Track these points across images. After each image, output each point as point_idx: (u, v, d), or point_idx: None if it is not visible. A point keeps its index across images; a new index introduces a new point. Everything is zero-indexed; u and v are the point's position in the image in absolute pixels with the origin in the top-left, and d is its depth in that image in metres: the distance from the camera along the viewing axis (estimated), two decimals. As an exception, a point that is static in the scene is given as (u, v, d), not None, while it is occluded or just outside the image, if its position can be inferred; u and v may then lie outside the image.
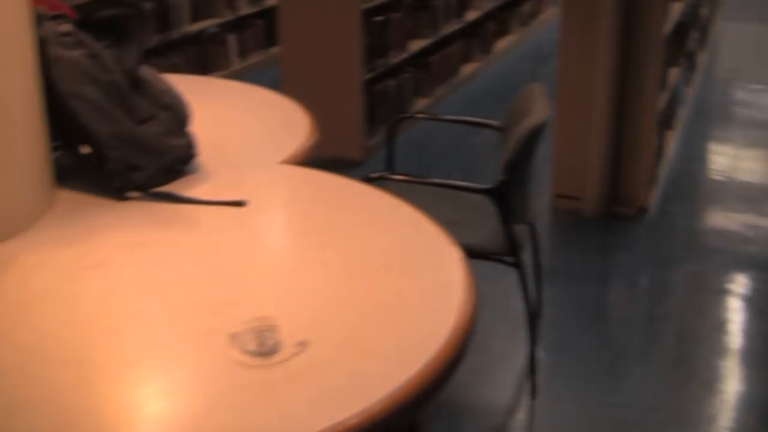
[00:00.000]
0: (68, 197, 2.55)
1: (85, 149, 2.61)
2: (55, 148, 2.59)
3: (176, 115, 2.65)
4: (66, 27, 2.56)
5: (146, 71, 2.65)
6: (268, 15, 8.50)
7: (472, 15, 8.22)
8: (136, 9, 2.62)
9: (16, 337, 1.90)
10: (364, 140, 6.11)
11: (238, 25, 8.26)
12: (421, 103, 7.10)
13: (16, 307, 2.01)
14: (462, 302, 2.00)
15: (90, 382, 1.77)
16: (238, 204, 2.46)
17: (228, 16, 8.07)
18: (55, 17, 2.58)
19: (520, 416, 3.75)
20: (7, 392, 1.72)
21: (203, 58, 7.68)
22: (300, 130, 3.08)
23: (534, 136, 3.22)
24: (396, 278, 2.12)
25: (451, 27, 7.70)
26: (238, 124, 3.22)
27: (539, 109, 3.32)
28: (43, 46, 2.46)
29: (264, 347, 1.81)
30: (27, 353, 1.84)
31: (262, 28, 8.54)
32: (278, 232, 2.40)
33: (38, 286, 2.10)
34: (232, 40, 8.13)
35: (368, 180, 2.87)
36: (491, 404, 3.76)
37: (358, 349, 1.84)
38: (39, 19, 2.47)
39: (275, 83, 3.87)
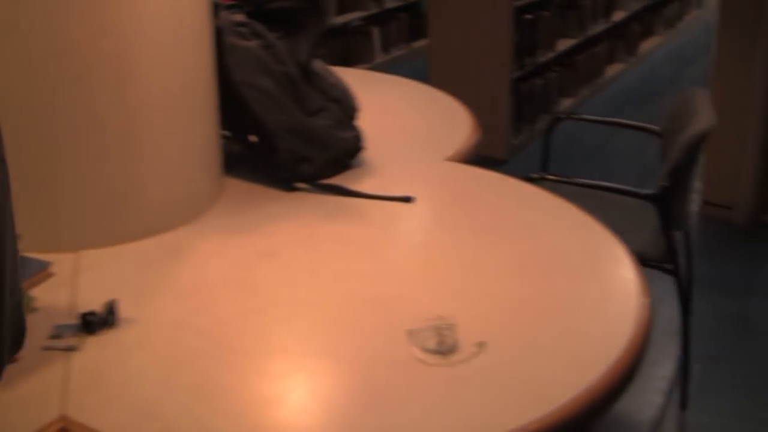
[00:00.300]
0: (236, 186, 2.58)
1: (253, 139, 2.62)
2: (224, 137, 2.60)
3: (345, 108, 2.65)
4: (240, 17, 2.58)
5: (317, 64, 2.66)
6: (412, 9, 8.50)
7: (618, 15, 8.09)
8: (312, 2, 2.62)
9: (198, 324, 1.92)
10: (509, 139, 6.06)
11: (382, 18, 8.27)
12: (566, 103, 7.01)
13: (196, 294, 2.04)
14: (639, 308, 1.96)
15: (268, 371, 1.78)
16: (406, 200, 2.45)
17: (373, 9, 8.10)
18: (229, 6, 2.60)
19: (669, 427, 3.67)
20: (192, 378, 1.75)
21: (348, 51, 7.72)
22: (461, 127, 3.07)
23: (699, 143, 3.14)
24: (569, 281, 2.08)
25: (598, 27, 7.59)
26: (399, 118, 3.22)
27: (704, 114, 3.24)
28: (219, 35, 2.48)
29: (443, 346, 1.80)
30: (209, 340, 1.85)
31: (405, 22, 8.54)
32: (446, 229, 2.39)
33: (214, 273, 2.12)
34: (376, 33, 8.15)
35: (528, 180, 2.83)
36: (639, 413, 3.69)
37: (535, 353, 1.82)
38: (216, 9, 2.48)
39: (418, 77, 3.85)
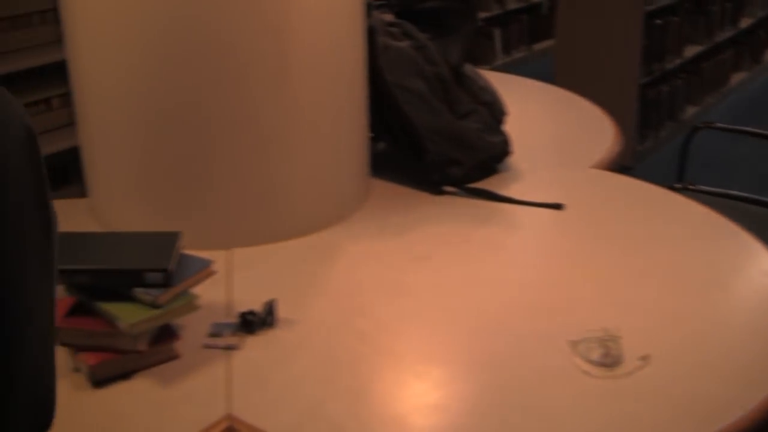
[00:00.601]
0: (383, 187, 2.57)
1: (401, 140, 2.60)
2: (371, 138, 2.59)
3: (494, 111, 2.62)
4: (390, 17, 2.56)
5: (467, 67, 2.63)
6: (533, 11, 8.42)
7: (745, 22, 7.91)
8: (463, 2, 2.59)
9: (356, 326, 1.91)
10: (635, 145, 5.96)
11: (503, 19, 8.21)
12: (690, 111, 6.87)
13: (351, 296, 2.04)
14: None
15: (430, 377, 1.77)
16: (557, 207, 2.41)
17: (495, 11, 8.03)
18: (379, 6, 2.58)
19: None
20: (353, 381, 1.75)
21: (469, 52, 7.65)
22: (603, 134, 3.01)
23: None
24: (726, 294, 2.03)
25: (725, 34, 7.42)
26: (540, 122, 3.18)
27: None
28: (371, 35, 2.47)
29: (608, 358, 1.76)
30: (367, 344, 1.85)
31: (526, 24, 8.47)
32: (599, 238, 2.34)
33: (368, 275, 2.11)
34: (497, 34, 8.09)
35: (671, 189, 2.76)
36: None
37: (699, 368, 1.77)
38: (368, 9, 2.47)
39: (540, 80, 3.78)
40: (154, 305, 1.72)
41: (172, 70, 2.09)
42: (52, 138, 3.43)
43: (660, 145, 6.05)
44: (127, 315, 1.70)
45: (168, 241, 1.85)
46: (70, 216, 2.43)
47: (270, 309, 1.88)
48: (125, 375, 1.75)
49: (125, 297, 1.75)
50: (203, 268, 1.82)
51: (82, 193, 3.61)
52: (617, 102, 5.60)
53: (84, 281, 1.75)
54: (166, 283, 1.74)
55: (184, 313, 1.77)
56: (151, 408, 1.66)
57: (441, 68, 2.49)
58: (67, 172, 3.58)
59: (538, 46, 8.11)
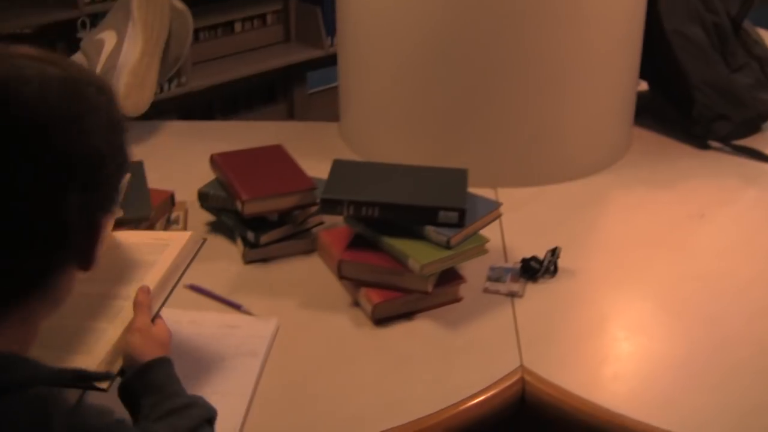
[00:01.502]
0: (645, 137, 2.46)
1: (667, 89, 2.48)
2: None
3: (765, 67, 2.47)
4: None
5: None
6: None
7: None
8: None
9: (639, 282, 1.85)
10: None
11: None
12: None
13: (627, 250, 1.97)
14: None
15: (728, 343, 1.65)
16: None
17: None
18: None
19: None
20: (645, 338, 1.66)
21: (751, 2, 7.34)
22: None
23: None
24: None
25: None
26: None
27: None
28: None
29: None
30: (655, 305, 1.78)
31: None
32: None
33: (642, 229, 2.04)
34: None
35: None
36: None
37: None
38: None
39: None
40: (447, 246, 1.66)
41: (456, 7, 2.01)
42: (264, 54, 3.41)
43: None
44: (418, 254, 1.64)
45: (457, 178, 1.79)
46: (322, 138, 2.44)
47: (553, 257, 1.80)
48: (407, 315, 1.70)
49: (413, 234, 1.69)
50: (492, 210, 1.76)
51: (287, 112, 3.64)
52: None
53: (372, 214, 1.70)
54: (460, 224, 1.68)
55: (474, 255, 1.72)
56: (437, 352, 1.61)
57: (721, 17, 2.34)
58: (275, 91, 3.58)
59: None
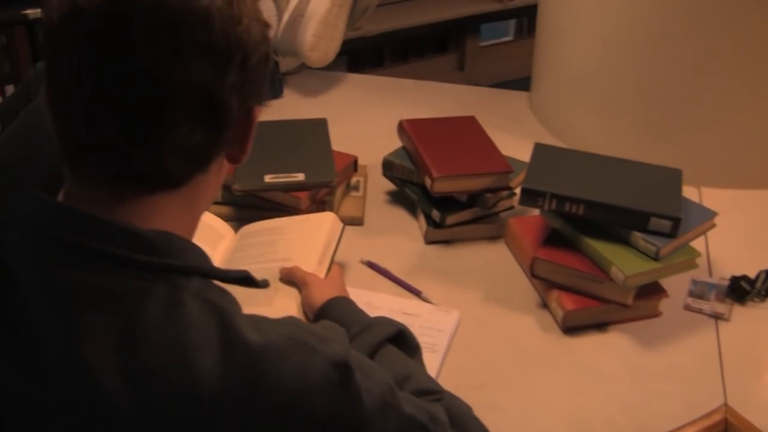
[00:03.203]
0: None
1: None
2: None
3: None
4: None
5: None
6: None
7: None
8: None
9: None
10: None
11: None
12: None
13: None
14: None
15: None
16: None
17: None
18: None
19: None
20: None
21: None
22: None
23: None
24: None
25: None
26: None
27: None
28: None
29: None
30: None
31: None
32: None
33: None
34: None
35: None
36: None
37: None
38: None
39: None
40: (655, 257, 1.50)
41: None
42: (440, 3, 3.30)
43: None
44: (623, 263, 1.49)
45: (670, 179, 1.64)
46: (511, 109, 2.32)
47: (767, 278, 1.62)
48: (600, 325, 1.55)
49: (617, 238, 1.54)
50: (706, 219, 1.59)
51: (457, 63, 3.51)
52: None
53: (576, 212, 1.55)
54: (672, 234, 1.52)
55: (682, 270, 1.57)
56: (631, 373, 1.47)
57: None
58: (446, 40, 3.49)
59: None
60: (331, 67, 2.32)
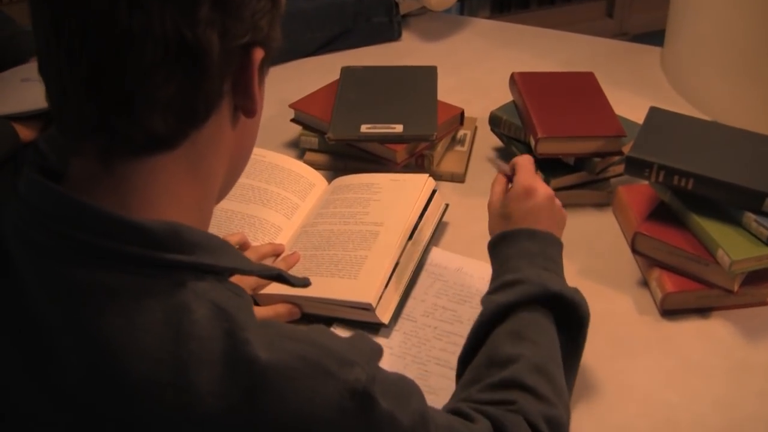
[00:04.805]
0: None
1: None
2: None
3: None
4: None
5: None
6: None
7: None
8: None
9: None
10: None
11: None
12: None
13: None
14: None
15: None
16: None
17: None
18: None
19: None
20: None
21: None
22: None
23: None
24: None
25: None
26: None
27: None
28: None
29: None
30: None
31: None
32: None
33: None
34: None
35: None
36: None
37: None
38: None
39: None
40: (767, 242, 1.37)
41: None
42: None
43: None
44: (730, 247, 1.37)
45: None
46: (641, 65, 2.18)
47: None
48: (701, 311, 1.43)
49: (728, 217, 1.42)
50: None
51: (606, 9, 3.38)
52: None
53: (684, 186, 1.43)
54: (788, 217, 1.38)
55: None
56: (731, 365, 1.36)
57: None
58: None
59: None
60: (474, 8, 2.22)
